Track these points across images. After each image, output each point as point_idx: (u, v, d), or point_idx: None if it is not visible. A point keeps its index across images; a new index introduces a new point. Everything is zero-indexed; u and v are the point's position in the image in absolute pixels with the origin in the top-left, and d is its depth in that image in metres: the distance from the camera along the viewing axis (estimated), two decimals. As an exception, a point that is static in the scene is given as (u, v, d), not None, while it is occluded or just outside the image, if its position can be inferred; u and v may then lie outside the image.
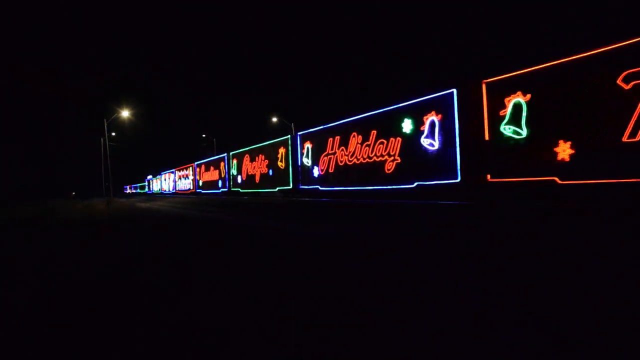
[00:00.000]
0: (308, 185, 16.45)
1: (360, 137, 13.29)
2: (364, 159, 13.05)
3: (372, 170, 12.69)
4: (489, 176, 9.26)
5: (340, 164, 14.23)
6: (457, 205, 8.99)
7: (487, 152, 9.25)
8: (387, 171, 12.09)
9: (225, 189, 26.48)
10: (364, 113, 13.29)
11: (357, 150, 13.40)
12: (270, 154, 19.84)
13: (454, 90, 10.08)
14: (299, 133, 17.19)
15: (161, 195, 47.65)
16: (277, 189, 19.02)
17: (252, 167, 22.14)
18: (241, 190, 23.88)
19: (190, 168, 36.10)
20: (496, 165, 9.09)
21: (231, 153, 25.57)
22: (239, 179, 24.20)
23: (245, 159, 23.21)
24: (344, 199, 13.34)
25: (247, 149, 23.08)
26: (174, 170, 43.90)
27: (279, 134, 21.65)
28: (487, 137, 9.28)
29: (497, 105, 9.00)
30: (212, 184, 29.45)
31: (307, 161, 16.45)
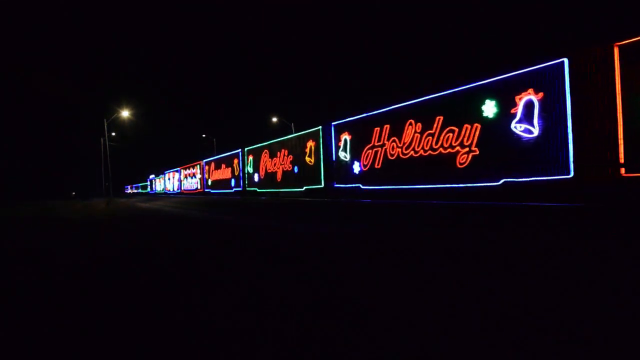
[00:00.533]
0: (346, 184, 14.15)
1: (419, 124, 11.01)
2: (425, 151, 10.77)
3: (437, 165, 10.40)
4: (622, 170, 6.99)
5: (391, 157, 11.94)
6: (591, 213, 6.71)
7: (620, 139, 6.99)
8: (459, 165, 9.81)
9: (239, 189, 24.17)
10: (423, 96, 11.03)
11: (414, 140, 11.12)
12: (296, 148, 17.54)
13: (565, 60, 7.82)
14: (334, 123, 14.89)
15: (165, 195, 45.47)
16: (305, 188, 16.71)
17: (272, 164, 19.84)
18: (258, 190, 21.57)
19: (198, 166, 33.81)
20: (636, 156, 6.83)
21: (246, 149, 23.25)
22: (256, 177, 21.90)
23: (263, 155, 20.90)
24: (400, 200, 11.04)
25: (265, 143, 20.78)
26: (178, 169, 41.61)
27: (279, 134, 20.26)
28: (620, 119, 7.02)
29: (639, 75, 6.75)
30: (223, 183, 27.15)
31: (345, 155, 14.16)
